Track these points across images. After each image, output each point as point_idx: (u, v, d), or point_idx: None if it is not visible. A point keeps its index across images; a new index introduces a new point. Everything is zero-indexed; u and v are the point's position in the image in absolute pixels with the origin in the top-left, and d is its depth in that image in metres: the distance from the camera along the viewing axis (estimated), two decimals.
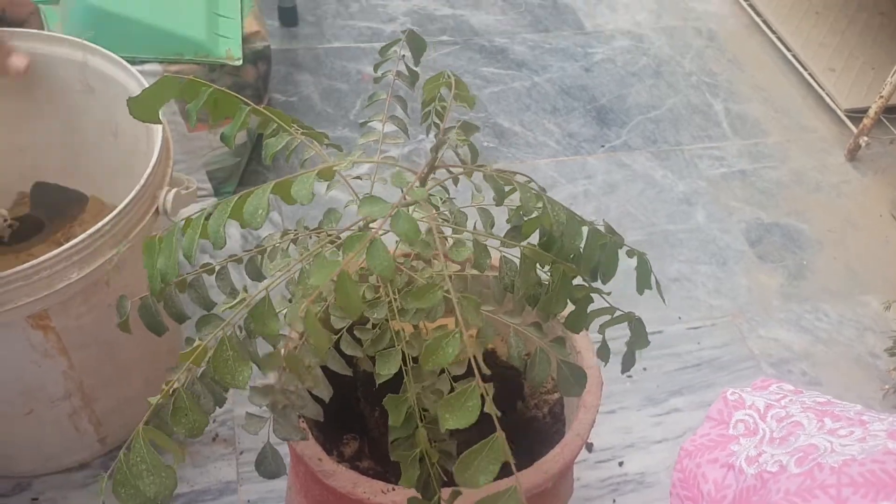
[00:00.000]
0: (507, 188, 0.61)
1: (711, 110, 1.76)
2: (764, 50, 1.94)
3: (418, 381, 0.62)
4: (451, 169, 0.62)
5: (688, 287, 1.40)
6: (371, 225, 0.52)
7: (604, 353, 0.65)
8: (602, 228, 0.60)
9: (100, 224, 0.83)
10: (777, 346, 1.33)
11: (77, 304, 0.87)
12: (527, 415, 0.94)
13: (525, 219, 0.59)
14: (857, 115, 1.67)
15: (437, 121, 0.66)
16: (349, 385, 0.83)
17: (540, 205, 0.55)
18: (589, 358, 0.86)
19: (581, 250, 0.58)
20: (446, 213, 0.68)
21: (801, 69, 1.82)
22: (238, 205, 0.53)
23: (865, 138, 1.62)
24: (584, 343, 0.87)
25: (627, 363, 0.63)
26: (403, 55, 0.74)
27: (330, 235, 0.68)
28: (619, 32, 1.95)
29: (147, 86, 0.62)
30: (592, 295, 0.61)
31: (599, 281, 0.60)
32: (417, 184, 0.57)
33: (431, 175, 0.70)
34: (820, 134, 1.74)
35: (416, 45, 0.72)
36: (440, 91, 0.65)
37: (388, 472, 0.87)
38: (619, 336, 0.65)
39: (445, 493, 0.60)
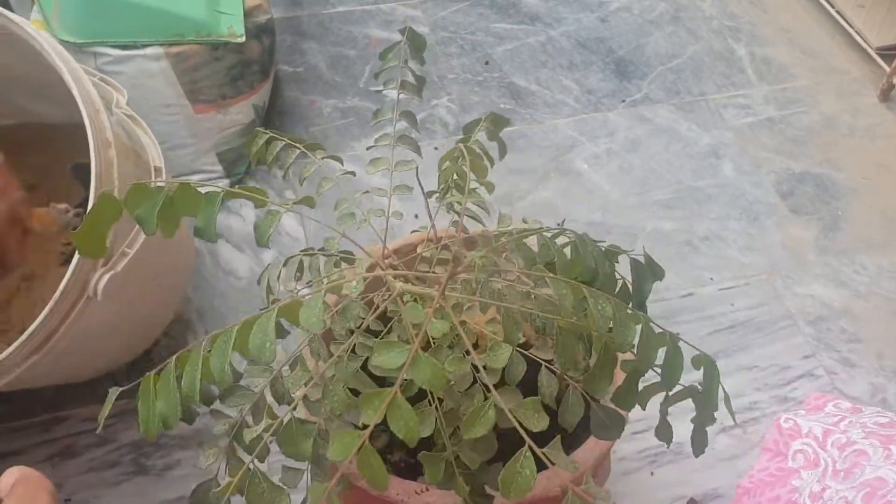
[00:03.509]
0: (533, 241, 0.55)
1: (735, 56, 1.69)
2: None
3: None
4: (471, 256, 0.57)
5: (718, 246, 1.36)
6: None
7: (665, 433, 0.57)
8: (642, 259, 0.54)
9: (24, 336, 0.81)
10: (814, 303, 1.29)
11: None
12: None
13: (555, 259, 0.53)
14: (889, 52, 1.59)
15: (458, 196, 0.61)
16: (374, 380, 0.80)
17: (582, 302, 0.49)
18: None
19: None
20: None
21: (828, 7, 1.74)
22: (242, 336, 0.47)
23: None
24: None
25: (699, 444, 0.54)
26: (406, 60, 0.69)
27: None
28: None
29: None
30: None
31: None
32: (434, 315, 0.52)
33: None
34: (850, 75, 1.66)
35: (417, 43, 0.67)
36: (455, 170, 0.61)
37: (420, 464, 0.85)
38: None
39: None
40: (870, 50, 1.63)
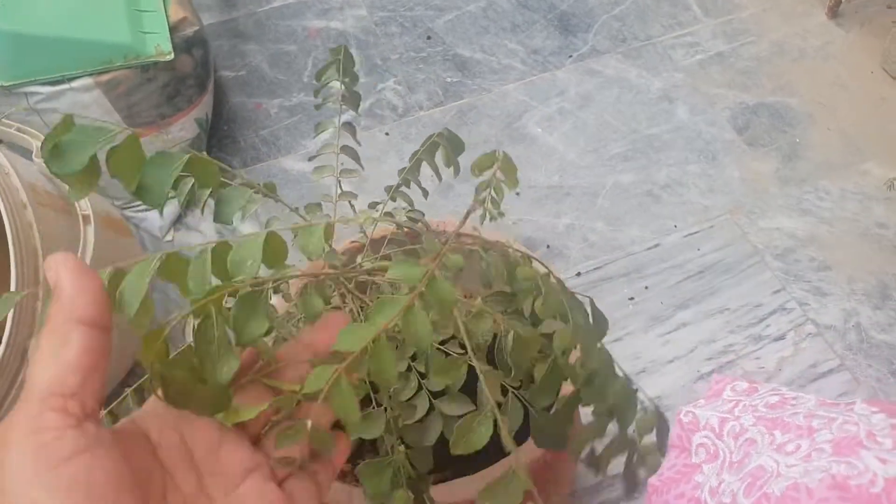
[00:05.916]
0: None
1: None
2: None
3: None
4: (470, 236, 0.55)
5: (679, 191, 1.35)
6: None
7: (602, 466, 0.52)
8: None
9: None
10: (780, 235, 1.28)
11: None
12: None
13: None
14: None
15: (495, 196, 0.58)
16: None
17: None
18: None
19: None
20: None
21: None
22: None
23: None
24: None
25: (630, 486, 0.51)
26: (343, 79, 0.69)
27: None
28: None
29: None
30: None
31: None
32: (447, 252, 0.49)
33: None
34: None
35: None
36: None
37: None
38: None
39: None
40: None
